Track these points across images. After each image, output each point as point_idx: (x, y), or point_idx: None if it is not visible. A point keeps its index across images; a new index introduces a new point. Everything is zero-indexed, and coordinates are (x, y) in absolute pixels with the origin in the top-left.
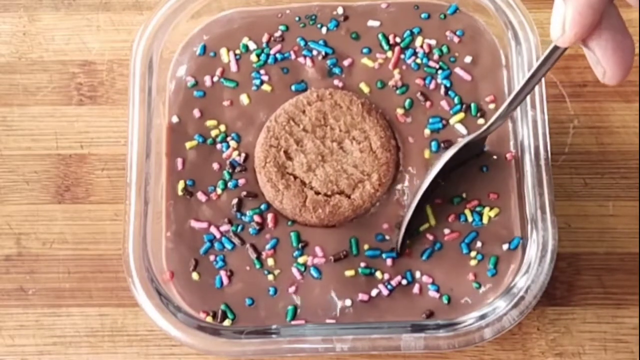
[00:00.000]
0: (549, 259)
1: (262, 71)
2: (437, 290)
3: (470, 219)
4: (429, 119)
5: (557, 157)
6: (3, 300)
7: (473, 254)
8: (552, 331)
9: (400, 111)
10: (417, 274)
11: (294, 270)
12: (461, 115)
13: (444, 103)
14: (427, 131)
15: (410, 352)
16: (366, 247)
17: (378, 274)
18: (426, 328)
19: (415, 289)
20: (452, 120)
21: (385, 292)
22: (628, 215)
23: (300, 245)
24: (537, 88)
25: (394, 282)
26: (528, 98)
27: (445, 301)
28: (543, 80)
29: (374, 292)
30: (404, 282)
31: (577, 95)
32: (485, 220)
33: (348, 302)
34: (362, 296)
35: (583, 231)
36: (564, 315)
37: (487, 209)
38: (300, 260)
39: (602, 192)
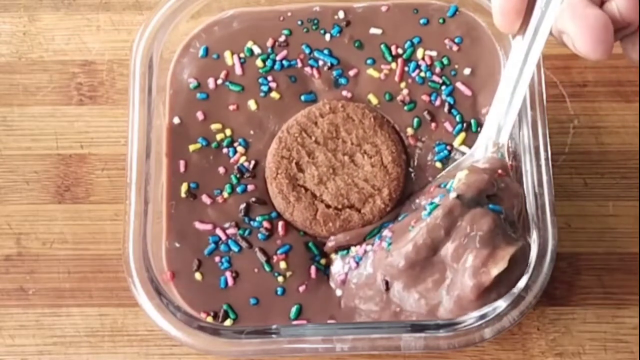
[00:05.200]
0: (548, 259)
1: (269, 77)
2: (389, 242)
3: (448, 186)
4: (435, 146)
5: (557, 157)
6: (3, 300)
7: (429, 207)
8: (552, 331)
9: (410, 131)
10: (384, 232)
11: (312, 269)
12: (462, 135)
13: (447, 125)
14: (438, 164)
15: (410, 352)
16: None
17: (352, 249)
18: (426, 328)
19: (376, 245)
20: (455, 143)
21: (354, 264)
22: (628, 215)
23: (320, 252)
24: (537, 88)
25: (360, 252)
26: (528, 98)
27: (387, 247)
28: (543, 80)
29: (345, 268)
30: (369, 248)
31: (577, 95)
32: (455, 183)
33: (339, 292)
34: (342, 276)
35: (583, 231)
36: (564, 315)
37: (459, 172)
38: (323, 261)
39: (602, 192)
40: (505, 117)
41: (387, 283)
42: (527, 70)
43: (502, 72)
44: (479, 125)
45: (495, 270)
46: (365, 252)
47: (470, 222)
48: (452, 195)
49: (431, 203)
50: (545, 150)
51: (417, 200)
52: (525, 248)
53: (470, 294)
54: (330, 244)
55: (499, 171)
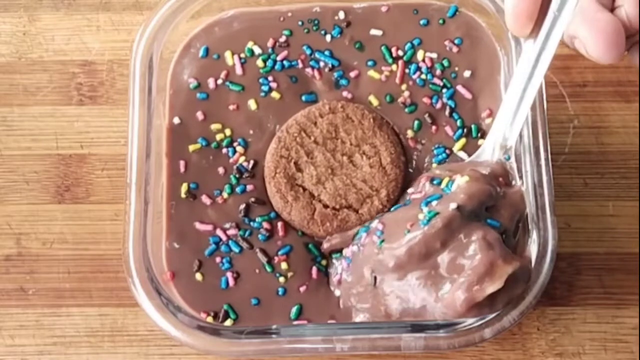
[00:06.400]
0: (548, 259)
1: (270, 77)
2: (379, 236)
3: (443, 185)
4: (434, 148)
5: (557, 157)
6: (3, 300)
7: (425, 209)
8: (552, 331)
9: (410, 133)
10: (374, 223)
11: (314, 270)
12: (463, 141)
13: (448, 129)
14: (434, 165)
15: (410, 352)
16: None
17: (344, 251)
18: (426, 328)
19: (365, 239)
20: (455, 148)
21: (345, 265)
22: (628, 215)
23: (321, 253)
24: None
25: (348, 253)
26: None
27: (379, 245)
28: (543, 80)
29: (339, 269)
30: (355, 248)
31: (577, 95)
32: (453, 187)
33: (337, 292)
34: (338, 277)
35: (583, 231)
36: (564, 315)
37: (458, 176)
38: (324, 262)
39: (602, 192)
40: (514, 120)
41: (375, 278)
42: (538, 74)
43: (502, 73)
44: (479, 130)
45: (490, 288)
46: (353, 253)
47: (469, 238)
48: (452, 206)
49: (426, 202)
50: (545, 150)
51: (410, 189)
52: (526, 267)
53: (460, 307)
54: (326, 245)
55: (500, 179)
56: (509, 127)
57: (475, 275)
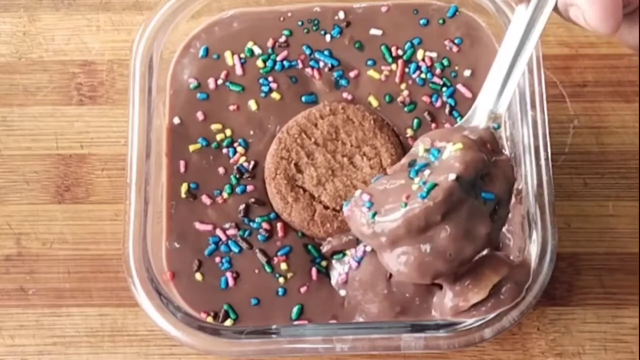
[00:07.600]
0: (548, 259)
1: (270, 78)
2: (369, 208)
3: (421, 152)
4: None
5: (557, 157)
6: (3, 300)
7: (417, 179)
8: (552, 331)
9: (410, 132)
10: (357, 194)
11: (313, 271)
12: None
13: (447, 126)
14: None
15: (410, 352)
16: None
17: (348, 252)
18: (426, 328)
19: (350, 208)
20: None
21: (354, 264)
22: (628, 215)
23: (320, 254)
24: (537, 88)
25: (359, 253)
26: (528, 98)
27: (371, 218)
28: (543, 80)
29: (345, 268)
30: (368, 248)
31: (577, 95)
32: (445, 155)
33: (342, 292)
34: (343, 277)
35: (583, 231)
36: (564, 315)
37: (450, 143)
38: (323, 263)
39: (602, 192)
40: (504, 87)
41: (390, 275)
42: (531, 41)
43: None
44: None
45: (475, 298)
46: (365, 252)
47: (465, 230)
48: (452, 177)
49: (415, 171)
50: (545, 150)
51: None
52: (526, 272)
53: (449, 314)
54: (327, 247)
55: (488, 145)
56: (498, 95)
57: (461, 286)
